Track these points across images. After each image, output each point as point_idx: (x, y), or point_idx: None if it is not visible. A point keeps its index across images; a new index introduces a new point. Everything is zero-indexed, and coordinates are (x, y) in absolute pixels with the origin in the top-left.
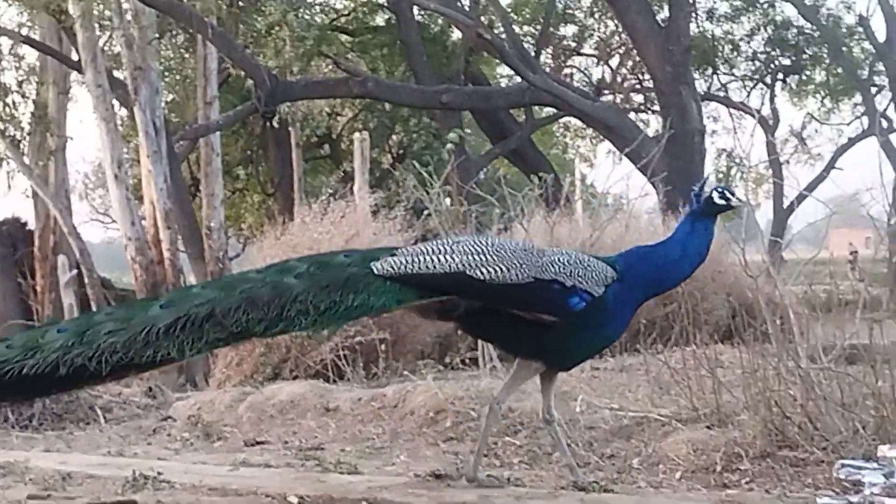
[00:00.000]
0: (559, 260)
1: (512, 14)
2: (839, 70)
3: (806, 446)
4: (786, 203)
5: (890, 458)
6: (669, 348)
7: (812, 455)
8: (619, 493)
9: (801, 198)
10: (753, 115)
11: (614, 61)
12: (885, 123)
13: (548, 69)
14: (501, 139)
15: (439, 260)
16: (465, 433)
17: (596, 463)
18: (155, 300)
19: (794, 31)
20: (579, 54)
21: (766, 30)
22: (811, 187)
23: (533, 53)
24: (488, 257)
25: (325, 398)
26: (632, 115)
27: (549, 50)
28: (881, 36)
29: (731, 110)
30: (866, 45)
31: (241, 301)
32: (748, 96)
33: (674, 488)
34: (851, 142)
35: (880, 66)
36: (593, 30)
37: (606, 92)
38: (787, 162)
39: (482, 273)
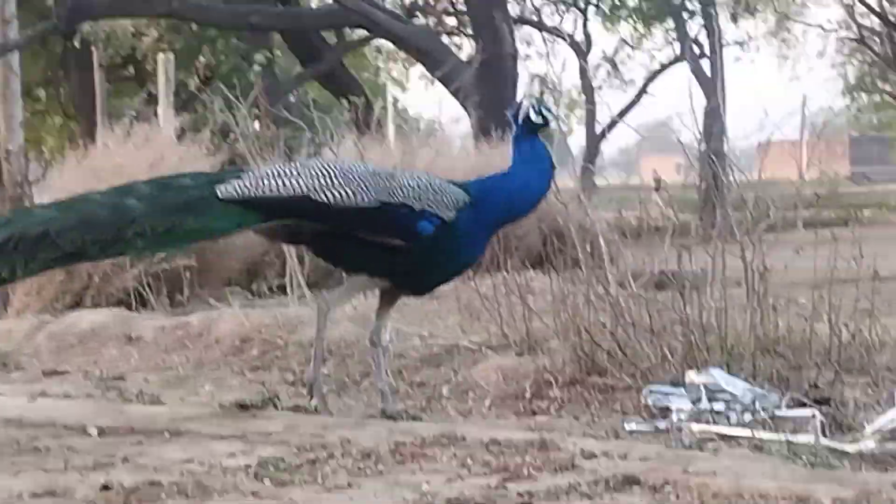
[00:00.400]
0: (409, 184)
1: None
2: None
3: (615, 373)
4: (598, 129)
5: (697, 385)
6: (480, 275)
7: (621, 382)
8: (428, 422)
9: (612, 124)
10: (566, 40)
11: None
12: (696, 49)
13: None
14: (312, 61)
15: (284, 183)
16: (271, 362)
17: (405, 391)
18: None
19: None
20: None
21: None
22: (623, 113)
23: None
24: (334, 180)
25: (128, 326)
26: (445, 39)
27: None
28: None
29: (545, 34)
30: None
31: (78, 221)
32: (561, 21)
33: (483, 416)
34: (663, 68)
35: None
36: None
37: (419, 14)
38: (600, 87)
39: (327, 196)
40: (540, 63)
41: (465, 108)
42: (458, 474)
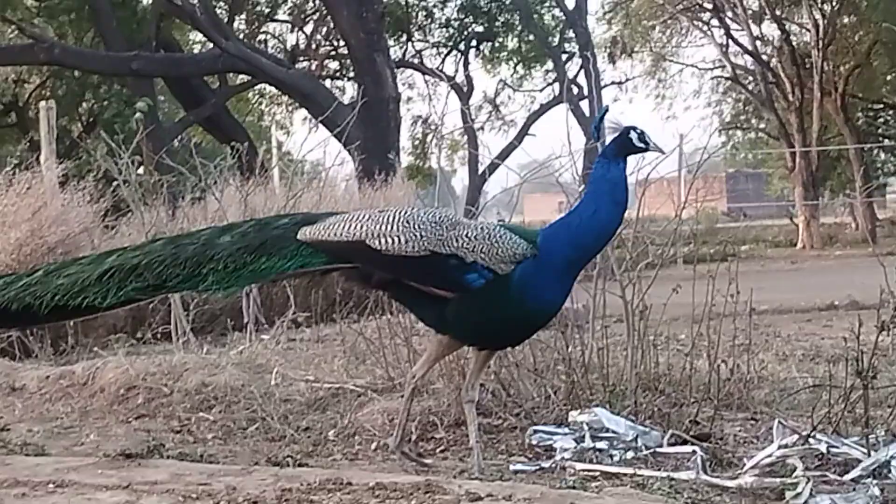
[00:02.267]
0: (467, 234)
1: None
2: (531, 37)
3: (499, 413)
4: (481, 170)
5: (580, 423)
6: (366, 317)
7: (505, 422)
8: (314, 467)
9: (493, 166)
10: (447, 82)
11: (308, 28)
12: (575, 90)
13: (241, 36)
14: (195, 106)
15: (348, 227)
16: (156, 410)
17: (291, 436)
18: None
19: None
20: (273, 20)
21: None
22: (504, 154)
23: (226, 19)
24: (392, 227)
25: (11, 377)
26: (327, 83)
27: (243, 16)
28: (571, 3)
29: (426, 77)
30: (557, 12)
31: (168, 255)
32: (442, 63)
33: (369, 459)
34: (543, 108)
35: (570, 34)
36: None
37: (301, 59)
38: (482, 129)
39: (380, 243)
40: (422, 105)
41: (349, 151)
42: None
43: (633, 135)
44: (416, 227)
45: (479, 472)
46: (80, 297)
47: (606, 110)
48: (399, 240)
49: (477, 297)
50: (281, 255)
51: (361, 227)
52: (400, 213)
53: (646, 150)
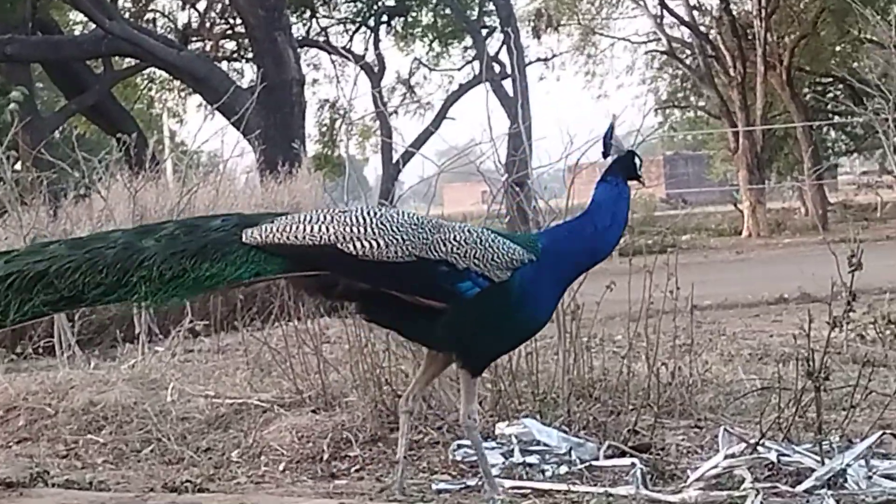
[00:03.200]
0: (456, 238)
1: None
2: (447, 11)
3: (420, 427)
4: (395, 157)
5: (508, 436)
6: (271, 325)
7: (427, 436)
8: (216, 492)
9: (409, 154)
10: (356, 62)
11: (202, 4)
12: (496, 68)
13: (127, 14)
14: (77, 94)
15: (313, 229)
16: (40, 433)
17: (190, 458)
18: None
19: None
20: None
21: None
22: (420, 140)
23: None
24: (368, 229)
25: None
26: (223, 65)
27: None
28: None
29: (333, 57)
30: None
31: (84, 261)
32: (350, 41)
33: (277, 482)
34: (462, 89)
35: (490, 6)
36: None
37: (194, 39)
38: (395, 113)
39: (355, 247)
40: (329, 88)
41: (249, 140)
42: None
43: (637, 161)
44: (396, 229)
45: (399, 492)
46: None
47: (613, 125)
48: (379, 244)
49: (472, 307)
50: (228, 260)
51: (328, 228)
52: (372, 213)
53: (638, 178)
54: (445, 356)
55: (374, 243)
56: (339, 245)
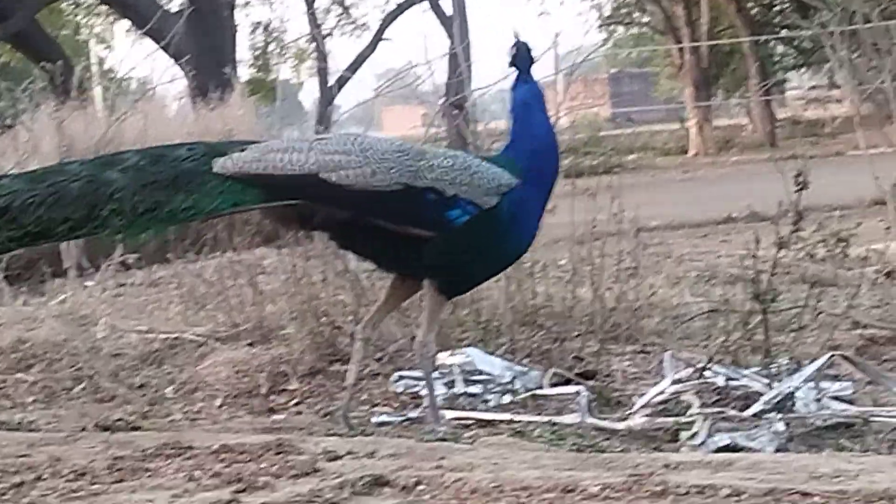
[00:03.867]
0: (441, 164)
1: None
2: None
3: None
4: (331, 81)
5: (450, 366)
6: (205, 256)
7: (367, 368)
8: (150, 430)
9: (344, 78)
10: None
11: None
12: None
13: None
14: (1, 21)
15: (291, 158)
16: None
17: (123, 396)
18: None
19: None
20: None
21: None
22: (357, 63)
23: None
24: (350, 157)
25: None
26: None
27: None
28: None
29: None
30: None
31: (49, 194)
32: None
33: (213, 418)
34: (400, 8)
35: None
36: None
37: None
38: (331, 34)
39: (339, 176)
40: (261, 10)
41: (179, 66)
42: (186, 489)
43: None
44: (380, 156)
45: (344, 420)
46: None
47: (518, 43)
48: (363, 172)
49: (461, 236)
50: (202, 191)
51: (307, 157)
52: (352, 140)
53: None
54: (411, 287)
55: (356, 172)
56: (321, 174)
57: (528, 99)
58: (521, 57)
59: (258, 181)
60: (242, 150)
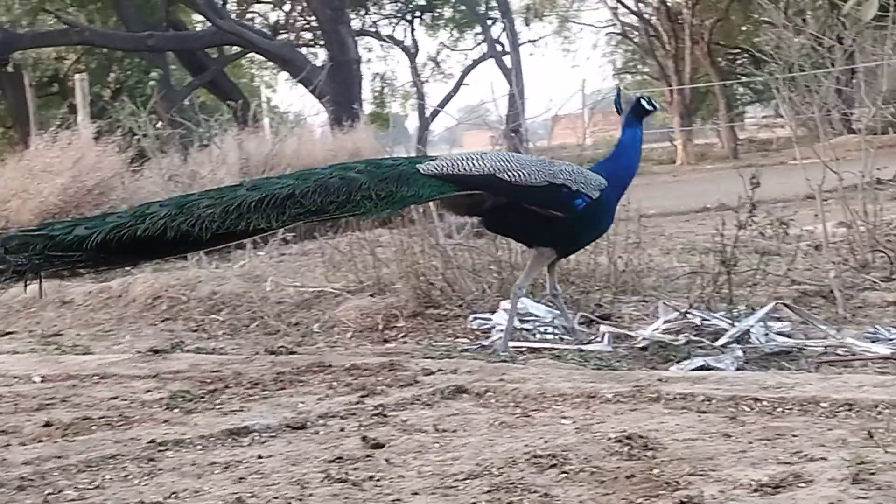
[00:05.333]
0: (566, 169)
1: None
2: (463, 7)
3: (447, 305)
4: (427, 113)
5: (509, 310)
6: (340, 234)
7: (452, 312)
8: (303, 354)
9: (435, 112)
10: (398, 45)
11: (287, 6)
12: (498, 48)
13: (234, 15)
14: (199, 72)
15: (474, 164)
16: (178, 314)
17: (284, 331)
18: (240, 185)
19: None
20: (259, 2)
21: None
22: (445, 100)
23: (221, 3)
24: (512, 164)
25: (61, 293)
26: (303, 50)
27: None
28: None
29: (381, 42)
30: None
31: (319, 186)
32: (394, 30)
33: (346, 346)
34: (474, 63)
35: (493, 3)
36: None
37: (282, 31)
38: (427, 81)
39: (509, 176)
40: (379, 64)
41: (322, 104)
42: (327, 394)
43: (644, 101)
44: (530, 164)
45: (504, 352)
46: (242, 222)
47: (619, 91)
48: (524, 174)
49: (580, 216)
50: (418, 185)
51: (483, 164)
52: (511, 155)
53: (655, 109)
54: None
55: (520, 174)
56: (497, 174)
57: (628, 142)
58: (635, 108)
59: (453, 179)
60: (432, 160)
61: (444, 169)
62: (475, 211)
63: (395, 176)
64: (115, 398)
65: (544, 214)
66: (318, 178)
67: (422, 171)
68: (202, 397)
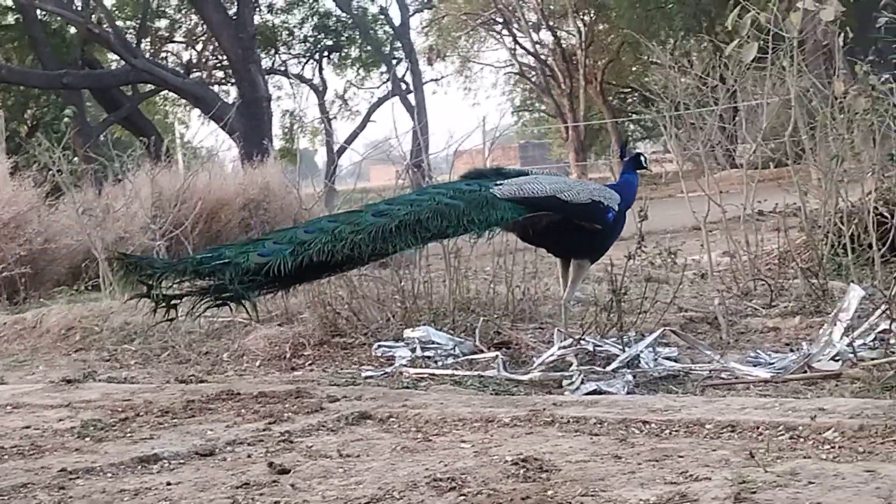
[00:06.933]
0: (596, 188)
1: (116, 12)
2: (368, 48)
3: (352, 334)
4: (335, 148)
5: (413, 338)
6: None
7: (357, 340)
8: (212, 382)
9: (342, 149)
10: (307, 83)
11: (199, 46)
12: (403, 86)
13: (148, 54)
14: (114, 109)
15: (538, 188)
16: (91, 344)
17: (195, 359)
18: (361, 212)
19: (334, 19)
20: (172, 41)
21: (312, 19)
22: (352, 137)
23: (135, 42)
24: (563, 185)
25: None
26: (215, 87)
27: (148, 39)
28: (397, 21)
29: (290, 80)
30: (387, 28)
31: (434, 212)
32: (303, 69)
33: (255, 374)
34: (380, 101)
35: (398, 44)
36: (181, 22)
37: (194, 70)
38: (335, 118)
39: (566, 196)
40: (288, 102)
41: (233, 139)
42: (235, 421)
43: (643, 158)
44: (575, 184)
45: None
46: (388, 244)
47: (626, 143)
48: (576, 193)
49: (609, 228)
50: (501, 208)
51: (545, 187)
52: (556, 178)
53: (646, 168)
54: (568, 265)
55: (573, 193)
56: (557, 195)
57: (629, 177)
58: (635, 159)
59: (525, 202)
60: (500, 185)
61: (516, 193)
62: (531, 230)
63: (483, 200)
64: (27, 427)
65: (589, 229)
66: (428, 205)
67: (498, 196)
68: (113, 426)
